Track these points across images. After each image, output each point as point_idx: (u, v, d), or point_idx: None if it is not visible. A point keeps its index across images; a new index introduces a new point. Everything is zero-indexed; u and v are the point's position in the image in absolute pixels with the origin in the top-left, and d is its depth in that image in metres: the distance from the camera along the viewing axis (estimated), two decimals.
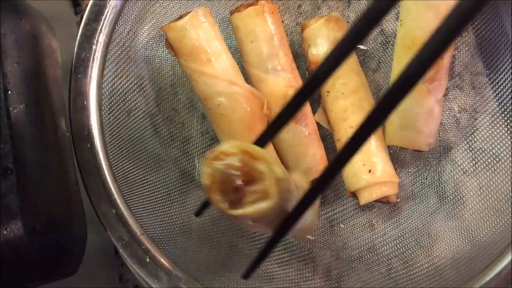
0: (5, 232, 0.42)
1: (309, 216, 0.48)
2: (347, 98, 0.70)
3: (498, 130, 0.73)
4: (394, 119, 0.68)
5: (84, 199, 0.57)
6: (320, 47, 0.72)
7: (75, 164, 0.57)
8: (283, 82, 0.70)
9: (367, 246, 0.74)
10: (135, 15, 0.69)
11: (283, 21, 0.74)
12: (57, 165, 0.48)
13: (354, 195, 0.69)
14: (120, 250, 0.56)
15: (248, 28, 0.70)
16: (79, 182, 0.53)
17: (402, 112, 0.66)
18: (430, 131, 0.67)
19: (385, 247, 0.74)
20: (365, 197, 0.67)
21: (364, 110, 0.70)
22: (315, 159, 0.71)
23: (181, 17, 0.67)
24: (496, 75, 0.74)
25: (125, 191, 0.61)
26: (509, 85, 0.72)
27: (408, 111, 0.66)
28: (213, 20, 0.69)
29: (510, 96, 0.72)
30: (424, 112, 0.65)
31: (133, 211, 0.60)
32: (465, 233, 0.71)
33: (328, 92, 0.72)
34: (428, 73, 0.58)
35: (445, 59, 0.63)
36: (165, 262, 0.57)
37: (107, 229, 0.57)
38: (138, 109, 0.71)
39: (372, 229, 0.75)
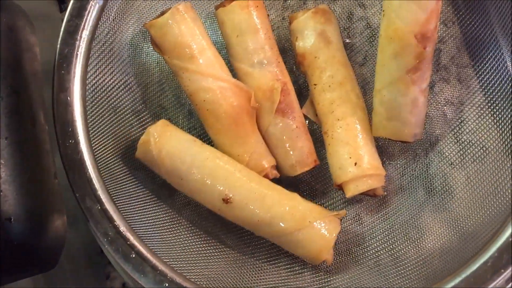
0: None
1: None
2: (334, 90, 0.70)
3: (485, 122, 0.73)
4: (380, 110, 0.68)
5: (70, 196, 0.56)
6: (307, 39, 0.72)
7: (57, 158, 0.56)
8: (270, 75, 0.70)
9: (355, 239, 0.74)
10: (119, 11, 0.69)
11: (268, 15, 0.74)
12: (34, 158, 0.48)
13: (340, 188, 0.69)
14: (105, 246, 0.56)
15: (233, 23, 0.70)
16: (59, 176, 0.52)
17: (387, 103, 0.67)
18: (416, 122, 0.67)
19: (373, 240, 0.74)
20: (351, 190, 0.67)
21: (351, 102, 0.70)
22: (303, 152, 0.71)
23: (162, 13, 0.67)
24: (483, 67, 0.74)
25: (111, 187, 0.61)
26: (494, 77, 0.73)
27: (393, 101, 0.66)
28: (195, 15, 0.68)
29: (496, 88, 0.73)
30: (409, 101, 0.65)
31: (118, 207, 0.59)
32: (453, 224, 0.71)
33: (315, 84, 0.72)
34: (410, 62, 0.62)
35: (428, 49, 0.63)
36: (151, 258, 0.57)
37: (92, 225, 0.56)
38: (124, 105, 0.71)
39: (360, 222, 0.75)
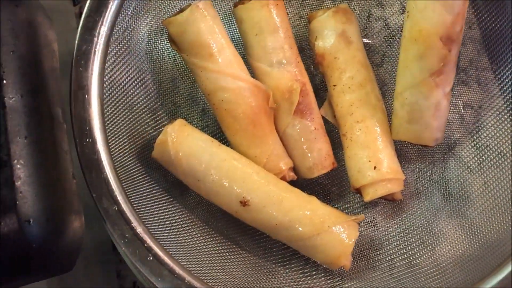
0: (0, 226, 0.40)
1: None
2: (354, 92, 0.69)
3: (504, 127, 0.72)
4: (401, 113, 0.67)
5: (83, 194, 0.55)
6: (327, 39, 0.71)
7: (76, 157, 0.55)
8: (289, 75, 0.69)
9: (370, 244, 0.73)
10: (137, 7, 0.68)
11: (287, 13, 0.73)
12: (53, 158, 0.47)
13: (358, 191, 0.68)
14: (122, 248, 0.55)
15: (252, 21, 0.68)
16: (76, 176, 0.51)
17: (409, 106, 0.65)
18: (438, 126, 0.67)
19: (388, 245, 0.73)
20: (370, 194, 0.66)
21: (370, 104, 0.69)
22: (321, 154, 0.70)
23: (182, 10, 0.66)
24: (503, 71, 0.73)
25: (127, 187, 0.60)
26: None
27: (415, 104, 0.65)
28: (214, 13, 0.67)
29: None
30: (432, 105, 0.64)
31: (135, 207, 0.58)
32: (470, 231, 0.70)
33: (334, 85, 0.70)
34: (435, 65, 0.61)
35: (453, 52, 0.62)
36: (168, 261, 0.56)
37: (109, 226, 0.55)
38: (139, 103, 0.70)
39: (375, 227, 0.75)
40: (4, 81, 0.44)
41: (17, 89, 0.44)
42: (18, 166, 0.42)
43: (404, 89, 0.65)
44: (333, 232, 0.61)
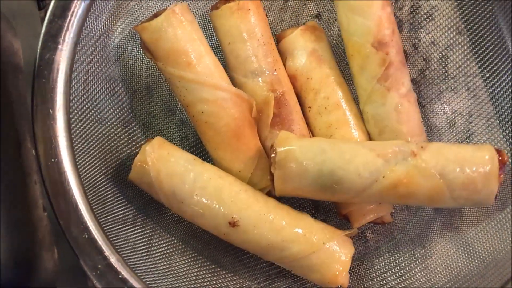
0: None
1: None
2: (330, 113, 0.65)
3: (494, 134, 0.70)
4: (371, 129, 0.66)
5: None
6: (297, 59, 0.66)
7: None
8: (264, 86, 0.64)
9: (361, 260, 0.70)
10: (106, 10, 0.62)
11: (267, 15, 0.68)
12: (21, 191, 0.41)
13: (346, 217, 0.65)
14: (95, 281, 0.49)
15: (224, 29, 0.63)
16: (47, 206, 0.45)
17: (373, 119, 0.65)
18: (409, 130, 0.64)
19: (380, 263, 0.70)
20: (358, 220, 0.63)
21: (349, 125, 0.65)
22: None
23: (156, 15, 0.60)
24: (492, 77, 0.71)
25: (98, 211, 0.55)
26: (504, 87, 0.69)
27: (376, 115, 0.64)
28: (192, 18, 0.62)
29: (507, 99, 0.70)
30: (391, 110, 0.63)
31: (107, 233, 0.53)
32: (461, 243, 0.68)
33: (310, 107, 0.66)
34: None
35: (391, 54, 0.62)
36: None
37: (79, 257, 0.49)
38: (111, 116, 0.64)
39: (365, 242, 0.71)
40: None
41: None
42: None
43: (363, 105, 0.65)
44: (329, 249, 0.58)
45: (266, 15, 0.67)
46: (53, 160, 0.51)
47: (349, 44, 0.64)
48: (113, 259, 0.51)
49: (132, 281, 0.50)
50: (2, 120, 0.40)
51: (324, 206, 0.71)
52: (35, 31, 0.67)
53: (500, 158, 0.56)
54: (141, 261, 0.56)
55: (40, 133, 0.52)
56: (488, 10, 0.69)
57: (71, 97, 0.56)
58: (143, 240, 0.61)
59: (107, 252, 0.51)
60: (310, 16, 0.74)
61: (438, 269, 0.68)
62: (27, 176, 0.42)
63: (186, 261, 0.63)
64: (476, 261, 0.66)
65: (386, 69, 0.62)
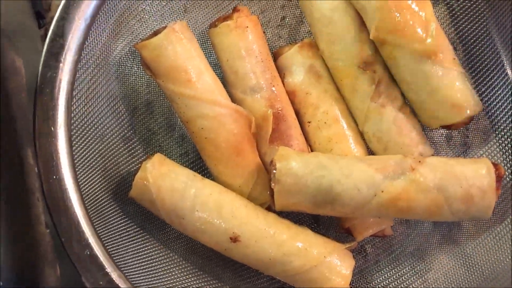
0: None
1: None
2: (330, 127, 0.66)
3: (490, 147, 0.71)
4: (375, 146, 0.66)
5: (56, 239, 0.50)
6: (296, 75, 0.67)
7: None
8: (263, 102, 0.64)
9: (360, 274, 0.70)
10: (107, 29, 0.62)
11: (265, 32, 0.69)
12: (23, 208, 0.41)
13: (348, 231, 0.65)
14: None
15: (222, 46, 0.64)
16: (49, 223, 0.45)
17: (374, 136, 0.65)
18: (411, 141, 0.64)
19: (378, 273, 0.70)
20: (361, 233, 0.63)
21: (349, 139, 0.66)
22: None
23: (156, 33, 0.61)
24: (486, 90, 0.72)
25: (99, 228, 0.55)
26: (501, 102, 0.70)
27: (377, 132, 0.65)
28: (191, 35, 0.63)
29: (502, 113, 0.70)
30: (390, 124, 0.64)
31: (108, 249, 0.53)
32: (461, 257, 0.68)
33: (309, 122, 0.67)
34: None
35: (378, 70, 0.63)
36: None
37: (81, 274, 0.49)
38: (111, 133, 0.64)
39: (365, 256, 0.71)
40: None
41: None
42: None
43: (362, 125, 0.66)
44: (330, 263, 0.58)
45: (264, 32, 0.68)
46: (54, 177, 0.52)
47: (336, 70, 0.65)
48: (114, 275, 0.51)
49: None
50: (4, 137, 0.41)
51: (324, 220, 0.71)
52: (36, 49, 0.68)
53: (497, 172, 0.57)
54: (142, 277, 0.56)
55: (42, 150, 0.52)
56: (482, 25, 0.71)
57: (72, 114, 0.56)
58: (144, 256, 0.61)
59: (109, 268, 0.51)
60: (306, 33, 0.75)
61: (438, 282, 0.69)
62: (30, 193, 0.42)
63: (187, 276, 0.63)
64: (476, 273, 0.66)
65: (376, 86, 0.63)
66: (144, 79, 0.70)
